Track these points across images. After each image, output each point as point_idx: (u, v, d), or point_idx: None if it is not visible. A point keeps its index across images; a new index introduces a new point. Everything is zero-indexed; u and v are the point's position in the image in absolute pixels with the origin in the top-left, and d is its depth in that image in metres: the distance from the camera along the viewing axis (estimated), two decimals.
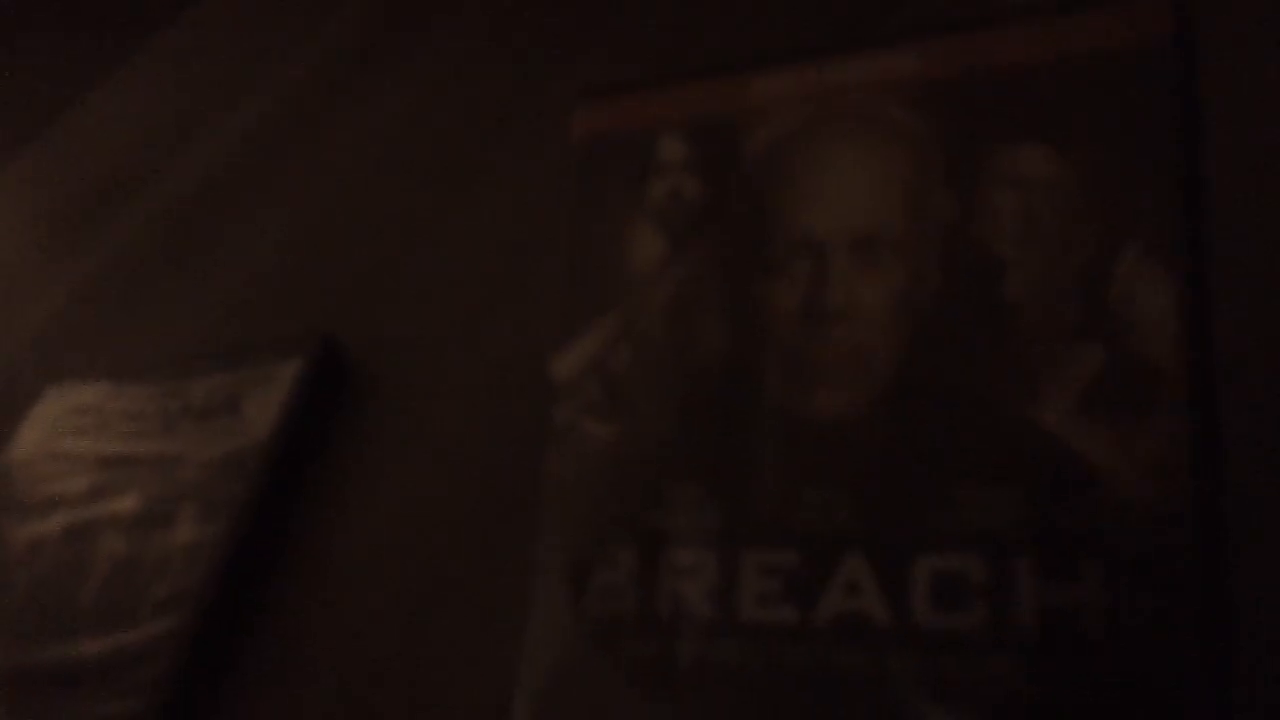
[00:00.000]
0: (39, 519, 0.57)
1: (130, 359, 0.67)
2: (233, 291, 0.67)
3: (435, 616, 0.46)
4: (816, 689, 0.32)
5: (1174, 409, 0.30)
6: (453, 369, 0.55)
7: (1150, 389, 0.30)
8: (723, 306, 0.37)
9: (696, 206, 0.39)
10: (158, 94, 0.89)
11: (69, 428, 0.60)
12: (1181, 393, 0.30)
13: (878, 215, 0.35)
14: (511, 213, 0.60)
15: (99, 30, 0.94)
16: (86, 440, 0.59)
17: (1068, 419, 0.31)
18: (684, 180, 0.39)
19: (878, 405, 0.33)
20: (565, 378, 0.39)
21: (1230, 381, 0.34)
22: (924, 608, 0.31)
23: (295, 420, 0.54)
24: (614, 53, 0.64)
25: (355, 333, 0.60)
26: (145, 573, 0.51)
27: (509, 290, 0.56)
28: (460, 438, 0.52)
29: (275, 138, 0.77)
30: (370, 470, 0.53)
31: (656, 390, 0.37)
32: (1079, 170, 0.33)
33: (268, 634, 0.50)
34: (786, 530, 0.34)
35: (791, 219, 0.37)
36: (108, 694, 0.48)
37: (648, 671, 0.34)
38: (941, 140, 0.35)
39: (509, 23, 0.71)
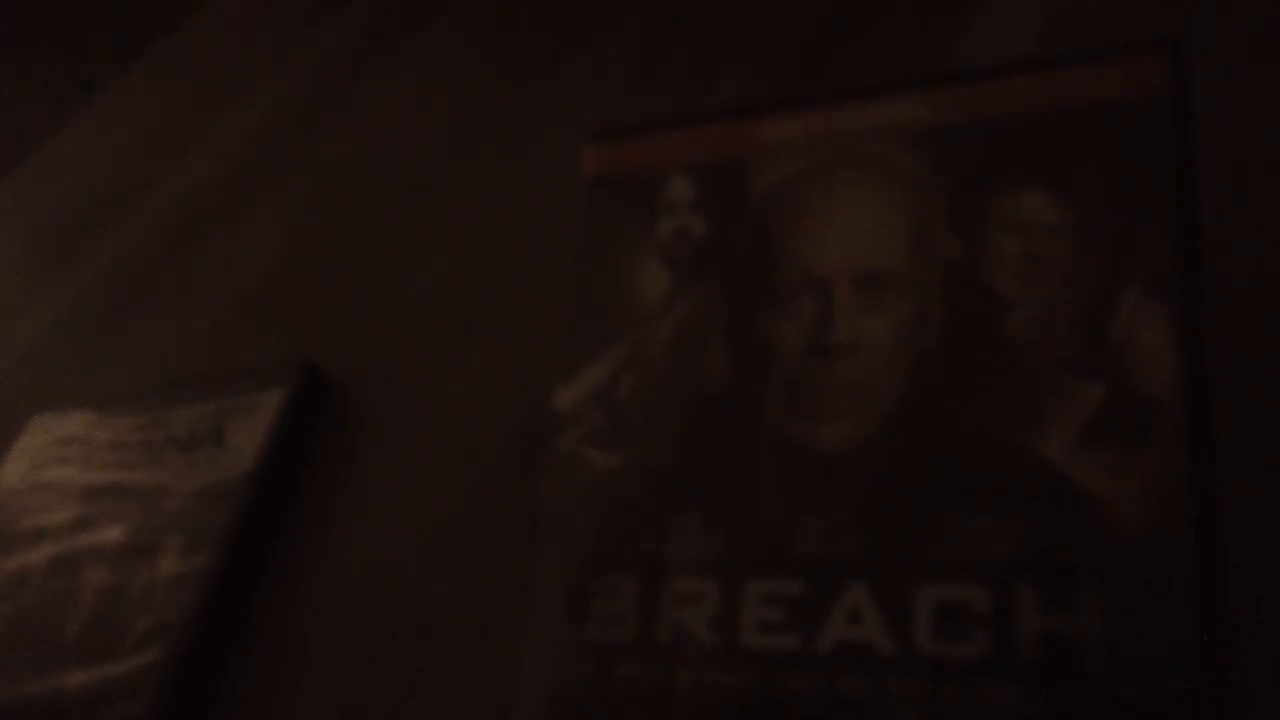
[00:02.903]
0: (24, 550, 0.56)
1: (114, 388, 0.67)
2: (216, 317, 0.67)
3: (424, 645, 0.46)
4: (818, 717, 0.32)
5: (1172, 441, 0.31)
6: (436, 394, 0.55)
7: (1149, 422, 0.31)
8: (727, 339, 0.38)
9: (703, 244, 0.40)
10: (138, 120, 0.89)
11: (54, 458, 0.60)
12: (1179, 425, 0.31)
13: (882, 253, 0.36)
14: (494, 238, 0.60)
15: (80, 58, 0.94)
16: (71, 471, 0.59)
17: (1069, 451, 0.32)
18: (691, 219, 0.40)
19: (881, 436, 0.34)
20: (569, 407, 0.39)
21: (1226, 414, 0.35)
22: (926, 636, 0.32)
23: (280, 449, 0.54)
24: (600, 83, 0.64)
25: (338, 358, 0.60)
26: (131, 604, 0.51)
27: (492, 315, 0.57)
28: (444, 463, 0.52)
29: (256, 162, 0.77)
30: (355, 498, 0.53)
31: (660, 420, 0.38)
32: (1080, 215, 0.34)
33: (254, 665, 0.49)
34: (789, 559, 0.34)
35: (796, 256, 0.38)
36: None
37: (648, 699, 0.34)
38: (945, 184, 0.36)
39: (497, 49, 0.72)
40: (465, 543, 0.48)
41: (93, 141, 0.90)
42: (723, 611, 0.34)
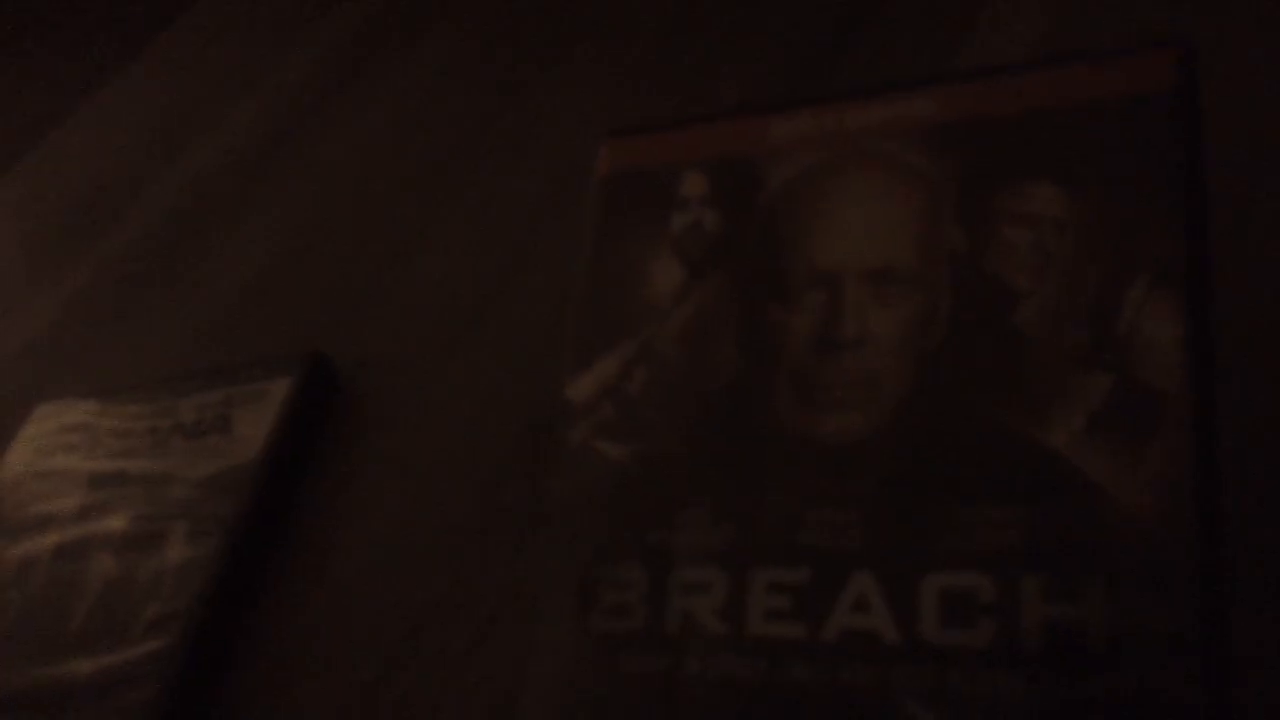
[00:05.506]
0: (30, 538, 0.57)
1: (120, 376, 0.67)
2: (221, 308, 0.67)
3: (431, 633, 0.46)
4: (824, 705, 0.32)
5: (1178, 432, 0.31)
6: (443, 384, 0.55)
7: (1155, 413, 0.31)
8: (737, 333, 0.38)
9: (715, 238, 0.40)
10: (142, 112, 0.89)
11: (59, 446, 0.60)
12: (1185, 417, 0.31)
13: (891, 248, 0.37)
14: (501, 231, 0.61)
15: (83, 50, 0.94)
16: (77, 459, 0.59)
17: (1075, 442, 0.32)
18: (704, 214, 0.40)
19: (888, 428, 0.35)
20: (580, 400, 0.39)
21: (1232, 406, 0.35)
22: (931, 625, 0.32)
23: (286, 438, 0.55)
24: (607, 78, 0.65)
25: (344, 348, 0.60)
26: (136, 592, 0.51)
27: (499, 306, 0.57)
28: (451, 452, 0.52)
29: (262, 153, 0.77)
30: (362, 487, 0.53)
31: (669, 413, 0.38)
32: (1088, 208, 0.34)
33: (260, 654, 0.50)
34: (796, 549, 0.34)
35: (807, 251, 0.38)
36: (100, 715, 0.48)
37: (655, 687, 0.35)
38: (954, 179, 0.37)
39: (505, 42, 0.72)
40: (472, 532, 0.49)
41: (98, 133, 0.90)
42: (729, 600, 0.35)
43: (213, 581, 0.50)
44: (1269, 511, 0.34)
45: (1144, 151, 0.34)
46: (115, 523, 0.55)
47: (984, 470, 0.33)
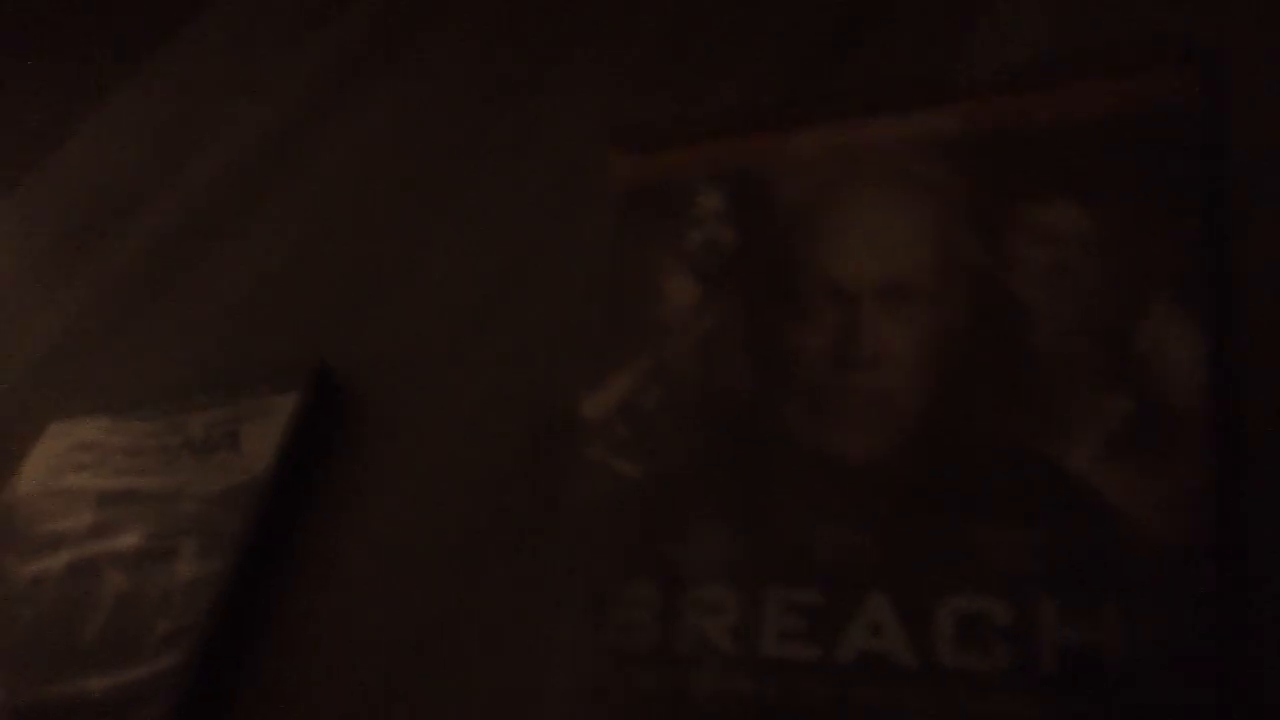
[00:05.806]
0: (42, 556, 0.57)
1: (127, 387, 0.67)
2: (227, 315, 0.67)
3: (440, 646, 0.46)
4: None
5: (1199, 454, 0.31)
6: (449, 394, 0.55)
7: (1176, 434, 0.31)
8: (752, 350, 0.38)
9: (731, 254, 0.40)
10: (146, 126, 0.89)
11: (70, 464, 0.60)
12: (1206, 438, 0.31)
13: (907, 264, 0.37)
14: (504, 237, 0.60)
15: (85, 67, 0.94)
16: (88, 476, 0.59)
17: (1094, 463, 0.32)
18: (719, 229, 0.40)
19: (904, 447, 0.34)
20: (596, 417, 0.39)
21: (1253, 426, 0.35)
22: (947, 648, 0.32)
23: (294, 453, 0.55)
24: (610, 83, 0.64)
25: (348, 354, 0.60)
26: (148, 609, 0.51)
27: (504, 313, 0.57)
28: (458, 463, 0.52)
29: (264, 157, 0.77)
30: (370, 499, 0.53)
31: (684, 430, 0.38)
32: (1108, 225, 0.34)
33: (272, 667, 0.50)
34: (810, 569, 0.34)
35: (822, 267, 0.38)
36: None
37: (667, 706, 0.35)
38: (972, 195, 0.36)
39: (506, 47, 0.72)
40: (481, 542, 0.49)
41: (101, 148, 0.90)
42: (742, 621, 0.35)
43: (223, 597, 0.50)
44: None
45: (1165, 166, 0.34)
46: (127, 539, 0.55)
47: (1002, 491, 0.33)
